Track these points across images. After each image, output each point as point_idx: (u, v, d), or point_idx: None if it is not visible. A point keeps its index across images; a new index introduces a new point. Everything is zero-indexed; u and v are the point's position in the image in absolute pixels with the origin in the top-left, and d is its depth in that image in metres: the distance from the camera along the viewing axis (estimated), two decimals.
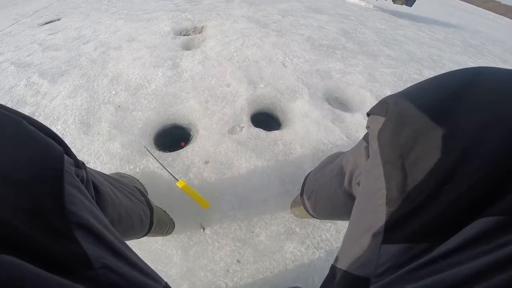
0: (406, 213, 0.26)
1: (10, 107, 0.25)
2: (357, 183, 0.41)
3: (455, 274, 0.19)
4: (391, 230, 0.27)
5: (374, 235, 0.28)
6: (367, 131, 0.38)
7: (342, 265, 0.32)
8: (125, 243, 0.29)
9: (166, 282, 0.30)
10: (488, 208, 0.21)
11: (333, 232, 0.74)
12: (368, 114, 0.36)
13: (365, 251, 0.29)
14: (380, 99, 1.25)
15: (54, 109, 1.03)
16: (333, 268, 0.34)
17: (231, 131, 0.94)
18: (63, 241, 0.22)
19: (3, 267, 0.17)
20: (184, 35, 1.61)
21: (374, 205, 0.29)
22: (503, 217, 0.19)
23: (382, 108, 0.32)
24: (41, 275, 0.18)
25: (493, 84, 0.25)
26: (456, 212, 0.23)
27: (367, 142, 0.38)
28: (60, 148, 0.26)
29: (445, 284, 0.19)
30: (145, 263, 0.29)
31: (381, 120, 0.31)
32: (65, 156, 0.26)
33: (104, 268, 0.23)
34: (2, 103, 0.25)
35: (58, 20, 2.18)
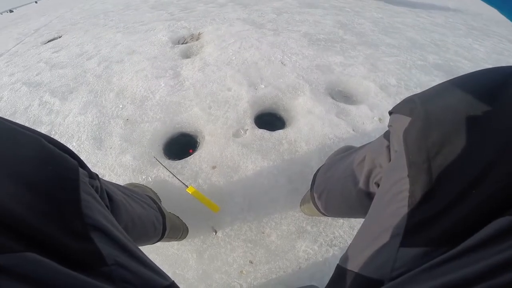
0: (429, 217, 0.25)
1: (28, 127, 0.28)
2: (375, 183, 0.40)
3: (466, 274, 0.19)
4: (411, 233, 0.26)
5: (392, 238, 0.28)
6: (388, 129, 0.37)
7: (353, 267, 0.31)
8: (134, 243, 0.31)
9: (173, 281, 0.31)
10: (506, 212, 0.21)
11: (347, 229, 0.74)
12: (390, 113, 0.35)
13: (380, 253, 0.28)
14: (384, 88, 1.22)
15: (68, 126, 1.08)
16: (340, 269, 0.33)
17: (236, 134, 0.95)
18: (80, 241, 0.25)
19: (29, 264, 0.20)
20: (182, 44, 1.64)
21: (395, 207, 0.29)
22: None
23: (407, 107, 0.31)
24: (63, 272, 0.21)
25: None
26: (479, 217, 0.23)
27: (389, 141, 0.37)
28: (75, 161, 0.29)
29: (456, 284, 0.19)
30: (153, 262, 0.31)
31: (405, 119, 0.30)
32: (80, 168, 0.29)
33: (116, 264, 0.26)
34: (21, 124, 0.28)
35: (60, 37, 2.25)
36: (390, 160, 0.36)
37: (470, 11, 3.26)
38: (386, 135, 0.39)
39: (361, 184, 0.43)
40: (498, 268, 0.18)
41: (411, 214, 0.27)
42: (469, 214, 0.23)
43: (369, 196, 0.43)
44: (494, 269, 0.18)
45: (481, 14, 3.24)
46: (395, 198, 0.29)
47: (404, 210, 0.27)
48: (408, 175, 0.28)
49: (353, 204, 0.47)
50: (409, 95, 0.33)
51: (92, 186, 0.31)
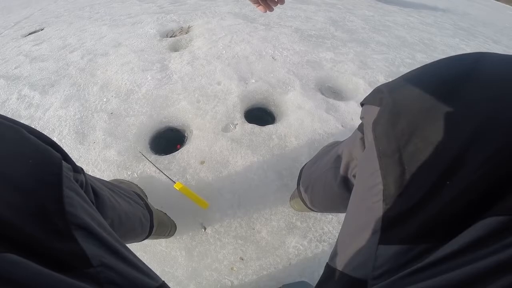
0: (404, 211, 0.24)
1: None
2: (353, 176, 0.40)
3: (456, 276, 0.18)
4: (389, 229, 0.25)
5: (371, 235, 0.27)
6: (361, 121, 0.37)
7: (338, 265, 0.30)
8: (122, 242, 0.29)
9: (163, 281, 0.30)
10: (490, 207, 0.20)
11: (335, 224, 0.74)
12: (362, 104, 0.35)
13: (361, 252, 0.28)
14: (373, 85, 1.24)
15: (48, 121, 1.02)
16: (329, 267, 0.33)
17: (225, 129, 0.93)
18: (63, 241, 0.23)
19: (8, 265, 0.18)
20: (170, 37, 1.59)
21: (370, 201, 0.27)
22: (507, 216, 0.18)
23: (376, 97, 0.31)
24: (44, 273, 0.19)
25: (496, 71, 0.23)
26: (456, 211, 0.22)
27: (362, 133, 0.37)
28: (58, 154, 0.27)
29: (446, 286, 0.18)
30: (143, 262, 0.30)
31: (375, 110, 0.30)
32: (63, 162, 0.27)
33: (102, 266, 0.24)
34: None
35: (42, 30, 2.14)
36: None
37: (458, 11, 3.35)
38: (360, 128, 0.38)
39: (341, 178, 0.43)
40: (484, 274, 0.17)
41: (387, 209, 0.26)
42: (446, 207, 0.22)
43: (348, 189, 0.42)
44: (482, 274, 0.17)
45: (469, 14, 3.33)
46: (370, 192, 0.28)
47: (379, 205, 0.26)
48: (380, 168, 0.27)
49: (335, 198, 0.47)
50: (378, 85, 0.32)
51: (77, 181, 0.29)
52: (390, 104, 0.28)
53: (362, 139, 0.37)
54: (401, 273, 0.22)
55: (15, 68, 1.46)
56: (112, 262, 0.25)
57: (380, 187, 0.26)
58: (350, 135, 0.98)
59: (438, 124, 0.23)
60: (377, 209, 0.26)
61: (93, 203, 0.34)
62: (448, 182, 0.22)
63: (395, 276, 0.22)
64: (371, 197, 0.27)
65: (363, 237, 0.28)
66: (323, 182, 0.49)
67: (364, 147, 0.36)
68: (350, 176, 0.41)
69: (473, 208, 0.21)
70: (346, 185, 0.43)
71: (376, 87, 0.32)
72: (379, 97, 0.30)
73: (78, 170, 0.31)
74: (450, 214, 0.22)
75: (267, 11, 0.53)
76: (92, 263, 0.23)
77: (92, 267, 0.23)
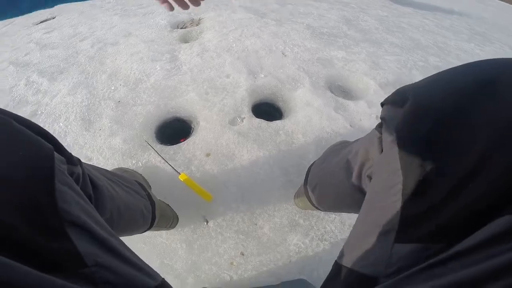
0: (423, 211, 0.24)
1: (5, 107, 0.25)
2: (367, 176, 0.40)
3: (470, 273, 0.18)
4: (406, 228, 0.25)
5: (386, 233, 0.27)
6: (380, 121, 0.36)
7: (348, 263, 0.30)
8: (119, 239, 0.28)
9: (163, 278, 0.29)
10: (506, 206, 0.20)
11: (338, 224, 0.73)
12: (382, 104, 0.34)
13: (375, 249, 0.28)
14: (384, 86, 1.21)
15: (55, 107, 1.03)
16: (337, 265, 0.32)
17: (232, 122, 0.92)
18: (56, 239, 0.22)
19: None
20: (181, 28, 1.58)
21: (388, 200, 0.27)
22: None
23: (399, 98, 0.31)
24: (34, 274, 0.18)
25: None
26: (476, 212, 0.22)
27: (381, 133, 0.36)
28: (50, 146, 0.26)
29: (459, 284, 0.18)
30: (141, 260, 0.29)
31: (397, 111, 0.29)
32: (56, 154, 0.26)
33: (97, 265, 0.23)
34: (4, 104, 0.25)
35: (53, 18, 2.16)
36: (381, 153, 0.35)
37: (474, 15, 3.27)
38: (378, 127, 0.38)
39: (354, 177, 0.42)
40: (498, 271, 0.17)
41: (406, 208, 0.26)
42: (466, 208, 0.22)
43: (361, 189, 0.42)
44: (496, 271, 0.17)
45: (485, 18, 3.25)
46: (389, 192, 0.28)
47: (398, 204, 0.26)
48: (401, 168, 0.27)
49: (346, 198, 0.47)
50: (401, 86, 0.32)
51: (73, 173, 0.28)
52: (415, 105, 0.28)
53: (380, 139, 0.37)
54: (412, 270, 0.22)
55: (25, 55, 1.47)
56: (108, 261, 0.24)
57: (400, 186, 0.26)
58: (358, 135, 0.97)
59: (461, 129, 0.23)
60: (395, 208, 0.26)
61: (91, 195, 0.33)
62: (470, 185, 0.22)
63: (406, 272, 0.22)
64: (390, 196, 0.27)
65: (377, 235, 0.27)
66: (333, 181, 0.49)
67: (382, 147, 0.35)
68: (364, 176, 0.40)
69: (492, 210, 0.21)
70: (359, 185, 0.42)
71: (399, 88, 0.32)
72: (401, 98, 0.30)
73: (73, 161, 0.30)
74: (468, 216, 0.22)
75: (182, 8, 0.42)
76: (87, 263, 0.22)
77: (86, 267, 0.22)
